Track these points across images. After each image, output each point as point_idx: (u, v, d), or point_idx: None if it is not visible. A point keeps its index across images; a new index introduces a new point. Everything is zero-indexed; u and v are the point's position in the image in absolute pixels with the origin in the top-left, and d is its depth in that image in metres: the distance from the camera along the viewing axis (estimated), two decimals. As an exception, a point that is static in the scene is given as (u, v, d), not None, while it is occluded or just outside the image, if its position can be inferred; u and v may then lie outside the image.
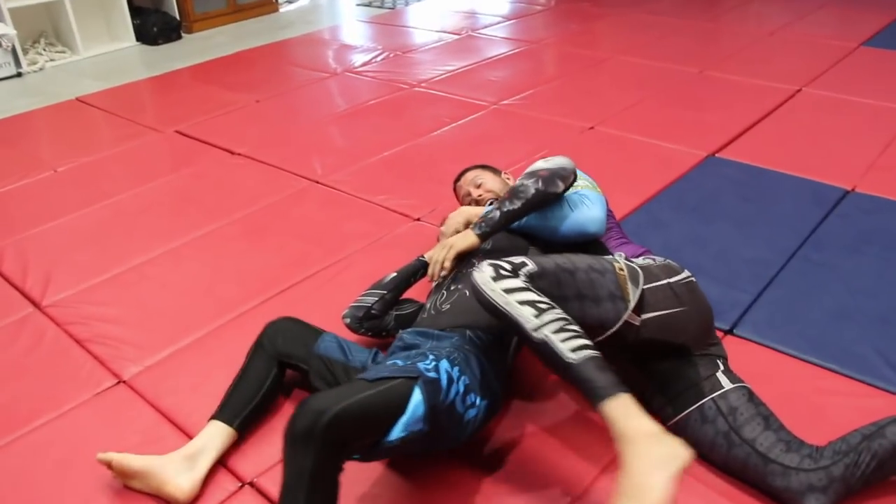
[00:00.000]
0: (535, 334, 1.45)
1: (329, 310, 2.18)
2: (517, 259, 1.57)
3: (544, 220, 1.99)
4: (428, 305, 1.94)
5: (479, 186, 2.28)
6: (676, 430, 1.69)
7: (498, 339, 1.80)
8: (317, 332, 1.94)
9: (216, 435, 1.77)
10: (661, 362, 1.76)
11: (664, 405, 1.75)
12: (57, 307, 2.48)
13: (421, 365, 1.57)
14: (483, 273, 1.53)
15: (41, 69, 5.38)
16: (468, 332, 1.76)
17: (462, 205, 2.36)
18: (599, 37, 5.29)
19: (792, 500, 1.53)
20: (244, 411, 1.82)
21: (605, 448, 1.77)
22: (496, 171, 2.37)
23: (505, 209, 1.91)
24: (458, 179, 2.40)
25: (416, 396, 1.47)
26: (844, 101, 3.81)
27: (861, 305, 2.24)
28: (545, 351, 1.44)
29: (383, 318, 2.09)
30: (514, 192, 1.92)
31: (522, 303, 1.47)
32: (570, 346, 1.42)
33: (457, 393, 1.56)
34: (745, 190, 2.95)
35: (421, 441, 1.50)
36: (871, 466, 1.52)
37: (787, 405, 1.84)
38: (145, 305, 2.46)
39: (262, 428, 1.88)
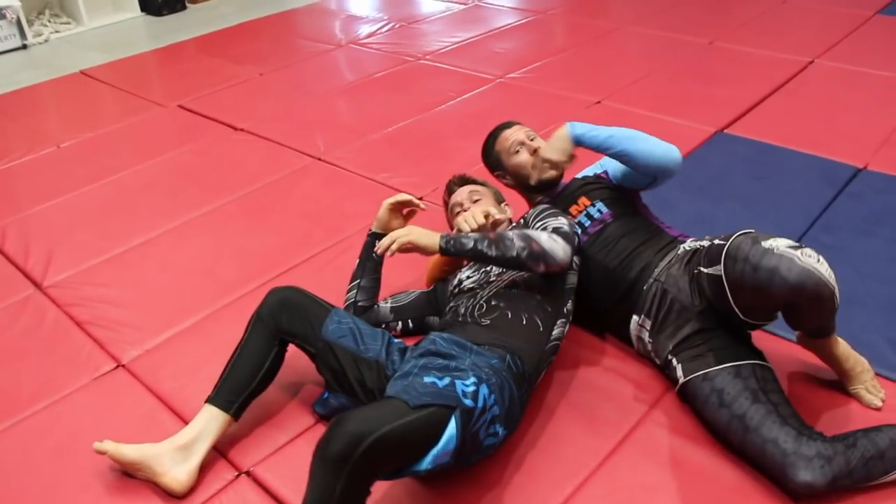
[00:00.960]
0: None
1: (330, 292, 2.13)
2: (792, 241, 1.59)
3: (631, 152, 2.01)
4: (462, 311, 1.85)
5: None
6: (707, 378, 1.72)
7: (534, 369, 1.74)
8: (325, 309, 1.83)
9: (212, 421, 1.73)
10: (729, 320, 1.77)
11: (706, 353, 1.76)
12: (58, 288, 2.48)
13: (460, 385, 1.52)
14: (821, 263, 1.54)
15: (46, 41, 5.33)
16: (508, 356, 1.69)
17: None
18: (607, 6, 5.20)
19: (798, 462, 1.54)
20: (241, 396, 1.76)
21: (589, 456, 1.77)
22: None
23: (479, 247, 1.80)
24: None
25: (451, 430, 1.44)
26: (858, 73, 3.73)
27: (871, 291, 2.20)
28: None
29: (376, 309, 2.06)
30: (497, 240, 1.79)
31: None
32: None
33: (485, 422, 1.55)
34: (753, 168, 2.90)
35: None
36: (870, 452, 1.56)
37: (792, 392, 1.83)
38: (145, 287, 2.45)
39: (261, 414, 1.87)
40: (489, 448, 1.61)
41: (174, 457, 1.69)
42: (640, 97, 3.58)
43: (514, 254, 1.77)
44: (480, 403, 1.53)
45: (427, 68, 4.19)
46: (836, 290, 1.57)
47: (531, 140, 2.17)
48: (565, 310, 1.87)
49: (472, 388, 1.53)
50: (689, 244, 1.93)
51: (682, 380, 1.78)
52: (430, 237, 1.83)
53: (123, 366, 2.11)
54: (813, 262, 1.53)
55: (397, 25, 4.98)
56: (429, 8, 5.37)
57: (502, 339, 1.72)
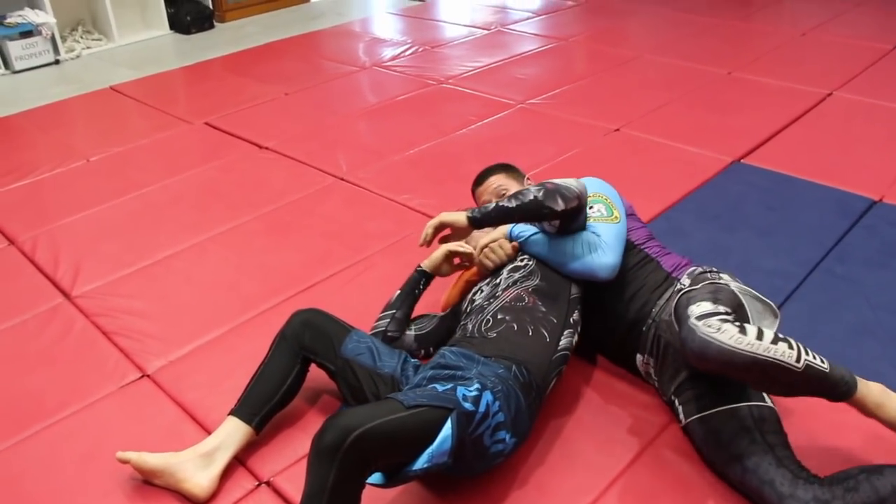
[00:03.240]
0: (798, 365, 1.52)
1: (350, 311, 2.20)
2: (713, 307, 1.61)
3: (555, 254, 1.97)
4: (470, 327, 1.88)
5: (501, 197, 2.16)
6: (702, 421, 1.74)
7: (542, 379, 1.77)
8: (345, 329, 1.91)
9: (234, 433, 1.79)
10: None
11: (704, 394, 1.77)
12: (86, 298, 2.54)
13: (462, 390, 1.57)
14: (722, 332, 1.52)
15: (78, 56, 5.46)
16: (514, 366, 1.72)
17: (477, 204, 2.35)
18: (628, 34, 5.27)
19: None
20: (263, 409, 1.83)
21: (613, 459, 1.80)
22: (519, 175, 2.34)
23: (500, 204, 1.91)
24: (479, 182, 2.34)
25: (447, 430, 1.48)
26: (876, 105, 3.76)
27: (883, 321, 2.23)
28: (810, 374, 1.53)
29: (402, 339, 2.10)
30: (515, 194, 1.91)
31: (774, 341, 1.52)
32: (814, 355, 1.56)
33: (488, 427, 1.59)
34: (769, 198, 2.93)
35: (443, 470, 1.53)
36: (872, 499, 1.52)
37: (803, 422, 1.85)
38: (170, 299, 2.52)
39: (281, 426, 1.92)
40: (497, 456, 1.64)
41: (196, 464, 1.74)
42: (658, 125, 3.63)
43: (532, 196, 1.87)
44: (482, 408, 1.57)
45: (449, 92, 4.26)
46: (766, 356, 1.50)
47: (499, 196, 2.21)
48: (572, 320, 1.89)
49: (474, 394, 1.58)
50: (683, 280, 1.92)
51: (682, 422, 1.82)
52: (457, 215, 1.97)
53: (148, 376, 2.17)
54: (712, 331, 1.53)
55: (421, 49, 5.07)
56: (452, 33, 5.46)
57: (509, 350, 1.76)
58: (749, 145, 3.37)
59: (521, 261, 2.02)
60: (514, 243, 2.04)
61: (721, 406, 1.73)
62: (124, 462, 1.75)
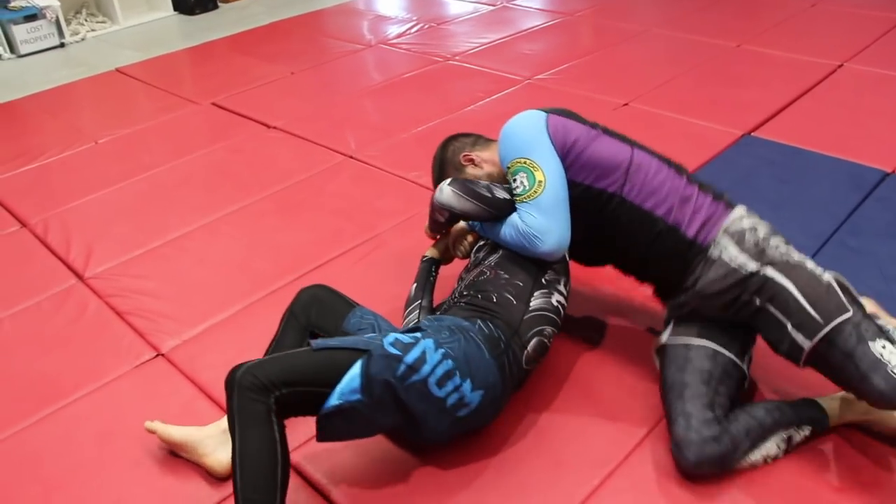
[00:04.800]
0: None
1: (361, 288, 2.21)
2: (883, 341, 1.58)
3: (499, 241, 1.90)
4: (444, 307, 1.91)
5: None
6: (689, 347, 1.77)
7: (514, 335, 1.73)
8: (350, 306, 1.93)
9: None
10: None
11: (697, 326, 1.80)
12: (98, 279, 2.55)
13: (394, 337, 1.62)
14: None
15: (83, 39, 5.45)
16: (479, 321, 1.72)
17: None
18: (635, 8, 5.22)
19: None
20: None
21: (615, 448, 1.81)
22: (487, 141, 2.13)
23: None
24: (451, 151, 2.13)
25: (355, 369, 1.55)
26: (887, 76, 3.73)
27: None
28: None
29: None
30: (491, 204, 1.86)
31: None
32: None
33: (430, 374, 1.59)
34: (780, 171, 2.92)
35: (384, 416, 1.60)
36: (750, 423, 1.67)
37: (815, 395, 1.85)
38: (182, 279, 2.53)
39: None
40: (459, 406, 1.63)
41: (218, 440, 1.76)
42: (667, 100, 3.61)
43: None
44: (415, 353, 1.59)
45: (456, 69, 4.24)
46: None
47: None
48: (543, 280, 1.84)
49: (407, 341, 1.61)
50: (727, 254, 1.74)
51: (665, 340, 1.83)
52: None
53: (163, 355, 2.18)
54: None
55: (426, 26, 5.04)
56: (457, 9, 5.42)
57: (475, 313, 1.75)
58: (759, 118, 3.35)
59: (485, 239, 2.02)
60: (473, 232, 2.08)
61: (711, 341, 1.75)
62: (151, 432, 1.79)
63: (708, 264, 1.75)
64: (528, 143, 1.83)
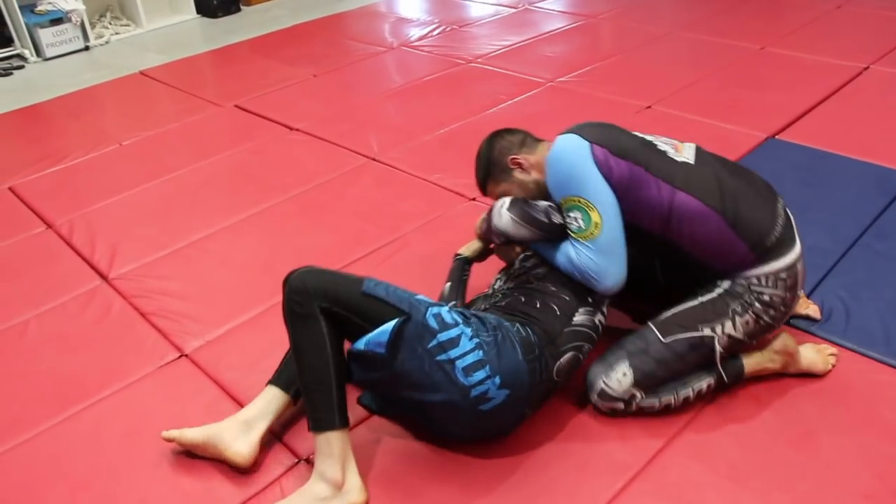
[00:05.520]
0: None
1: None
2: None
3: (556, 265, 1.85)
4: (483, 305, 1.90)
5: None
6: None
7: (550, 344, 1.72)
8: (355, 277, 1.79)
9: (272, 401, 1.82)
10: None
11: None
12: (123, 280, 2.57)
13: (437, 310, 1.65)
14: None
15: (107, 42, 5.50)
16: (518, 324, 1.72)
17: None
18: (658, 11, 5.19)
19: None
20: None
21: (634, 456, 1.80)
22: (505, 166, 2.01)
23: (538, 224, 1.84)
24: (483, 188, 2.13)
25: (388, 326, 1.61)
26: (914, 80, 3.69)
27: (922, 298, 2.20)
28: None
29: None
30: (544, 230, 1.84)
31: None
32: None
33: (459, 357, 1.60)
34: (805, 174, 2.89)
35: (403, 383, 1.65)
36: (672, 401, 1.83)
37: (841, 398, 1.84)
38: (206, 280, 2.54)
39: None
40: (482, 399, 1.62)
41: (236, 431, 1.77)
42: (690, 102, 3.59)
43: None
44: (451, 334, 1.62)
45: (478, 71, 4.24)
46: None
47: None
48: (590, 299, 1.82)
49: (449, 321, 1.64)
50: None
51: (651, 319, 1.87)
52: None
53: (186, 355, 2.20)
54: None
55: (448, 28, 5.04)
56: (478, 11, 5.42)
57: (514, 317, 1.75)
58: (784, 121, 3.32)
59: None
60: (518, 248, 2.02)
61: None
62: (169, 441, 1.79)
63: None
64: (577, 179, 1.76)
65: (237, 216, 2.90)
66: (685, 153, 1.87)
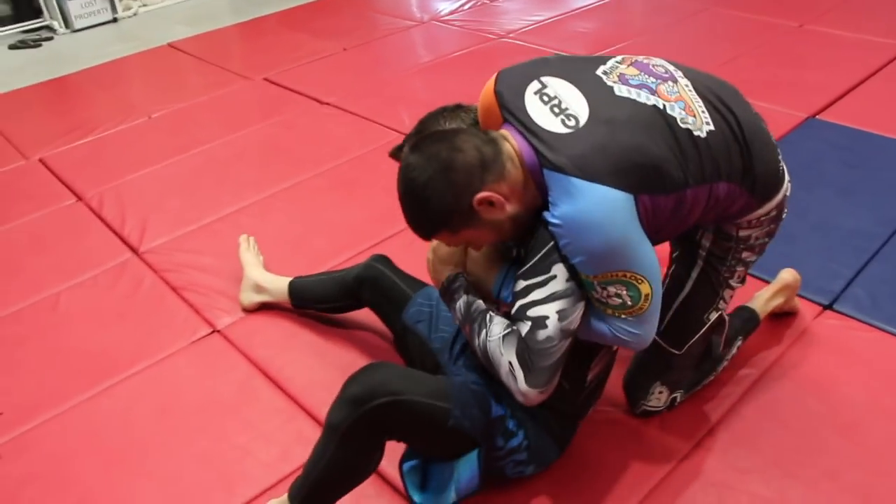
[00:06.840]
0: None
1: (418, 267, 2.18)
2: None
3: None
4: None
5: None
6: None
7: (571, 411, 1.64)
8: (406, 293, 1.87)
9: (281, 294, 2.16)
10: None
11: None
12: (153, 253, 2.56)
13: (504, 422, 1.54)
14: None
15: (135, 14, 5.48)
16: (538, 411, 1.56)
17: None
18: (695, -14, 5.09)
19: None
20: (306, 301, 2.13)
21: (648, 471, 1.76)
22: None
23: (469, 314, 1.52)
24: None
25: (473, 468, 1.47)
26: (960, 58, 3.59)
27: (971, 282, 2.13)
28: None
29: None
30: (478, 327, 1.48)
31: None
32: None
33: (511, 461, 1.58)
34: (848, 155, 2.82)
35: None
36: None
37: (889, 386, 1.79)
38: (236, 255, 2.51)
39: (328, 367, 1.88)
40: (514, 475, 1.63)
41: (251, 287, 2.23)
42: (727, 80, 3.49)
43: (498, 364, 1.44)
44: (512, 444, 1.55)
45: (510, 46, 4.16)
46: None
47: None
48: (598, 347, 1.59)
49: (511, 429, 1.55)
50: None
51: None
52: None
53: (219, 331, 2.18)
54: None
55: (479, 3, 4.96)
56: (510, -15, 5.33)
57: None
58: (824, 101, 3.24)
59: None
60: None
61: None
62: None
63: None
64: (623, 252, 1.35)
65: (267, 191, 2.88)
66: (701, 118, 1.47)
